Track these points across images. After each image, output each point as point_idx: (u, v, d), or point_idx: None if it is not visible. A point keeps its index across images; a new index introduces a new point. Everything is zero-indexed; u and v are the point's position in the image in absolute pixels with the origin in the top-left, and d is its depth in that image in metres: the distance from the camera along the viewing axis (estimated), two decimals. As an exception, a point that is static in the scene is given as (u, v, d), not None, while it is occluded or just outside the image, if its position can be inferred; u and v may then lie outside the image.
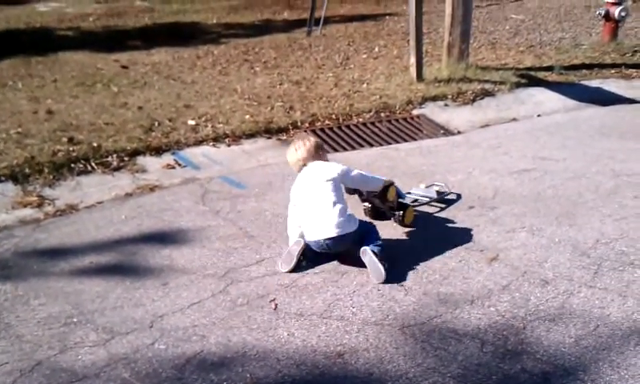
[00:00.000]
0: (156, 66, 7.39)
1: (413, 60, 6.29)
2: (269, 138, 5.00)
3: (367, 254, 2.97)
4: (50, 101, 5.77)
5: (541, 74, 6.59)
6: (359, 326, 2.61)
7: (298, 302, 2.80)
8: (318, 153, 3.30)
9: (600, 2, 8.38)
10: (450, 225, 3.53)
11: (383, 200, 3.42)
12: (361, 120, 5.39)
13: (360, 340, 2.52)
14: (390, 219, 3.51)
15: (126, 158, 4.47)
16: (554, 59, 7.21)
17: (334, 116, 5.40)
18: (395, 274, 2.96)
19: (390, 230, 3.43)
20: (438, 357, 2.40)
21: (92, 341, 2.57)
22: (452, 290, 2.84)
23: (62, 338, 2.59)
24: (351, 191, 3.38)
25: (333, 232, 3.02)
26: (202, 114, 5.36)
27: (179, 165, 4.51)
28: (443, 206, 3.76)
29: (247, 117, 5.30)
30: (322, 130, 5.15)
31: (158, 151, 4.62)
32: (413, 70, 6.31)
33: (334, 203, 3.07)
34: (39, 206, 3.88)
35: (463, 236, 3.35)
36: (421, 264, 3.07)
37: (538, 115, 5.71)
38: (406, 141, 5.10)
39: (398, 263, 3.02)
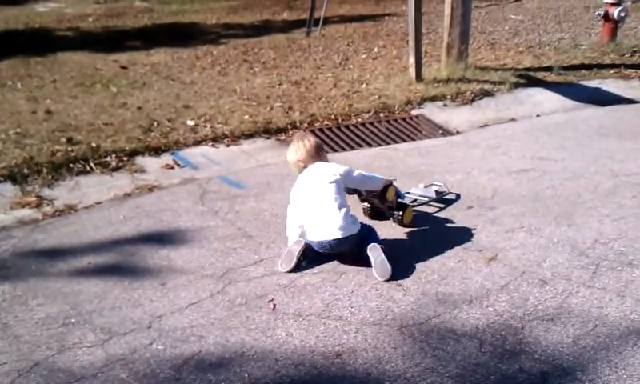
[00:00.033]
0: (155, 66, 7.40)
1: (412, 60, 6.29)
2: (268, 138, 5.00)
3: (377, 249, 3.00)
4: (49, 101, 5.77)
5: (540, 75, 6.60)
6: (357, 326, 2.60)
7: (296, 303, 2.79)
8: (319, 154, 3.30)
9: (599, 2, 8.39)
10: (449, 225, 3.53)
11: (382, 200, 3.42)
12: (360, 120, 5.39)
13: (358, 340, 2.52)
14: (389, 219, 3.51)
15: (124, 159, 4.47)
16: (553, 59, 7.21)
17: (332, 116, 5.40)
18: (394, 273, 2.95)
19: (388, 229, 3.43)
20: (437, 357, 2.40)
21: (90, 341, 2.56)
22: (450, 290, 2.84)
23: (60, 339, 2.58)
24: (351, 191, 3.38)
25: (338, 233, 3.03)
26: (201, 115, 5.36)
27: (178, 165, 4.51)
28: (442, 206, 3.76)
29: (246, 117, 5.30)
30: (320, 130, 5.15)
31: (156, 151, 4.62)
32: (412, 71, 6.31)
33: (339, 205, 3.08)
34: (38, 206, 3.88)
35: (462, 236, 3.35)
36: (419, 264, 3.07)
37: (537, 115, 5.71)
38: (404, 141, 5.10)
39: (397, 263, 3.02)
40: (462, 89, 6.00)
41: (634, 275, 2.90)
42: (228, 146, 4.84)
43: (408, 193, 3.78)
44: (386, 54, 7.84)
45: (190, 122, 5.17)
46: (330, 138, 5.05)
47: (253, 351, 2.47)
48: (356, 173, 3.26)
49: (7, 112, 5.41)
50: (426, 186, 3.90)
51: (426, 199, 3.77)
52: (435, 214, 3.67)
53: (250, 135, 4.97)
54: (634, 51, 7.48)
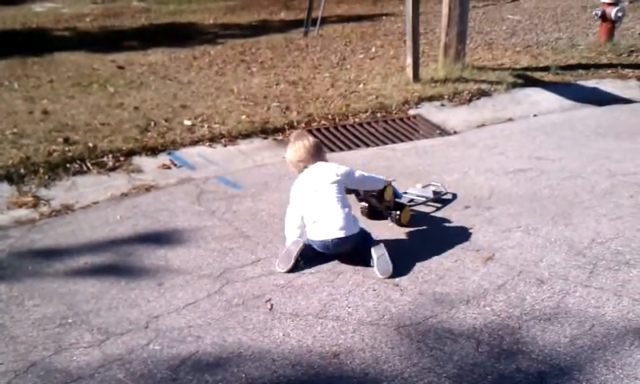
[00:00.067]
0: (152, 66, 7.39)
1: (409, 60, 6.29)
2: (265, 138, 5.00)
3: (381, 248, 3.02)
4: (46, 101, 5.76)
5: (537, 74, 6.60)
6: (355, 326, 2.60)
7: (293, 303, 2.79)
8: (319, 153, 3.30)
9: (596, 2, 8.39)
10: (446, 224, 3.53)
11: (380, 200, 3.43)
12: (357, 120, 5.39)
13: (356, 340, 2.51)
14: (386, 219, 3.51)
15: (121, 158, 4.46)
16: (551, 59, 7.22)
17: (330, 116, 5.40)
18: (392, 273, 2.95)
19: (386, 229, 3.43)
20: (434, 357, 2.40)
21: (87, 342, 2.56)
22: (448, 290, 2.84)
23: (57, 339, 2.58)
24: (349, 191, 3.38)
25: (340, 233, 3.04)
26: (198, 114, 5.35)
27: (175, 165, 4.50)
28: (439, 205, 3.76)
29: (243, 117, 5.29)
30: (318, 130, 5.15)
31: (153, 151, 4.61)
32: (409, 71, 6.30)
33: (342, 205, 3.10)
34: (34, 206, 3.87)
35: (459, 236, 3.35)
36: (417, 264, 3.07)
37: (535, 115, 5.72)
38: (402, 141, 5.10)
39: (395, 263, 3.01)
40: (460, 89, 6.00)
41: (630, 275, 2.90)
42: (225, 145, 4.83)
43: (405, 193, 3.78)
44: (383, 54, 7.84)
45: (187, 122, 5.16)
46: (328, 138, 5.04)
47: (250, 351, 2.47)
48: (357, 173, 3.28)
49: (4, 112, 5.39)
50: (423, 186, 3.90)
51: (424, 199, 3.77)
52: (433, 214, 3.67)
53: (247, 135, 4.97)
54: (632, 51, 7.48)
